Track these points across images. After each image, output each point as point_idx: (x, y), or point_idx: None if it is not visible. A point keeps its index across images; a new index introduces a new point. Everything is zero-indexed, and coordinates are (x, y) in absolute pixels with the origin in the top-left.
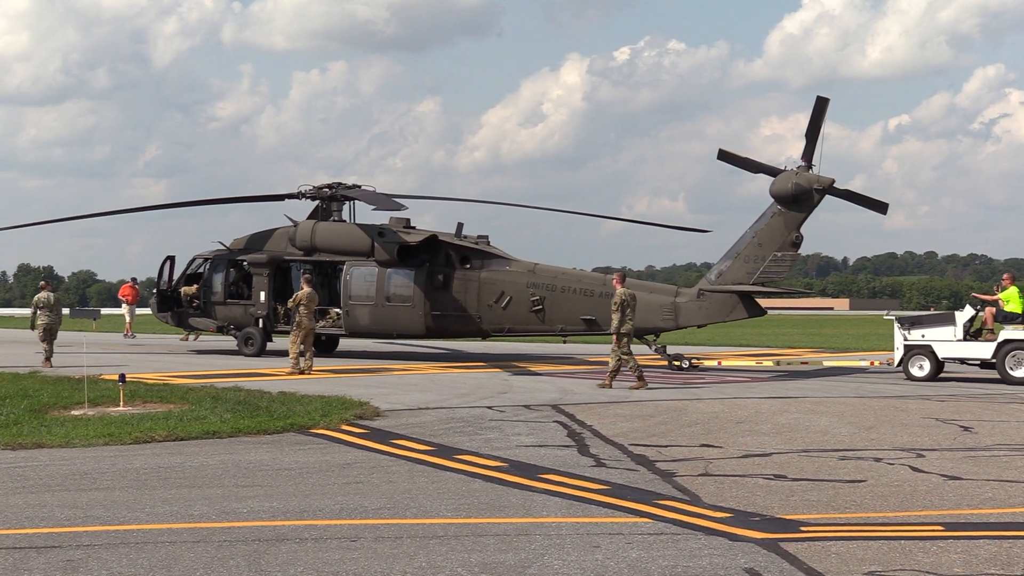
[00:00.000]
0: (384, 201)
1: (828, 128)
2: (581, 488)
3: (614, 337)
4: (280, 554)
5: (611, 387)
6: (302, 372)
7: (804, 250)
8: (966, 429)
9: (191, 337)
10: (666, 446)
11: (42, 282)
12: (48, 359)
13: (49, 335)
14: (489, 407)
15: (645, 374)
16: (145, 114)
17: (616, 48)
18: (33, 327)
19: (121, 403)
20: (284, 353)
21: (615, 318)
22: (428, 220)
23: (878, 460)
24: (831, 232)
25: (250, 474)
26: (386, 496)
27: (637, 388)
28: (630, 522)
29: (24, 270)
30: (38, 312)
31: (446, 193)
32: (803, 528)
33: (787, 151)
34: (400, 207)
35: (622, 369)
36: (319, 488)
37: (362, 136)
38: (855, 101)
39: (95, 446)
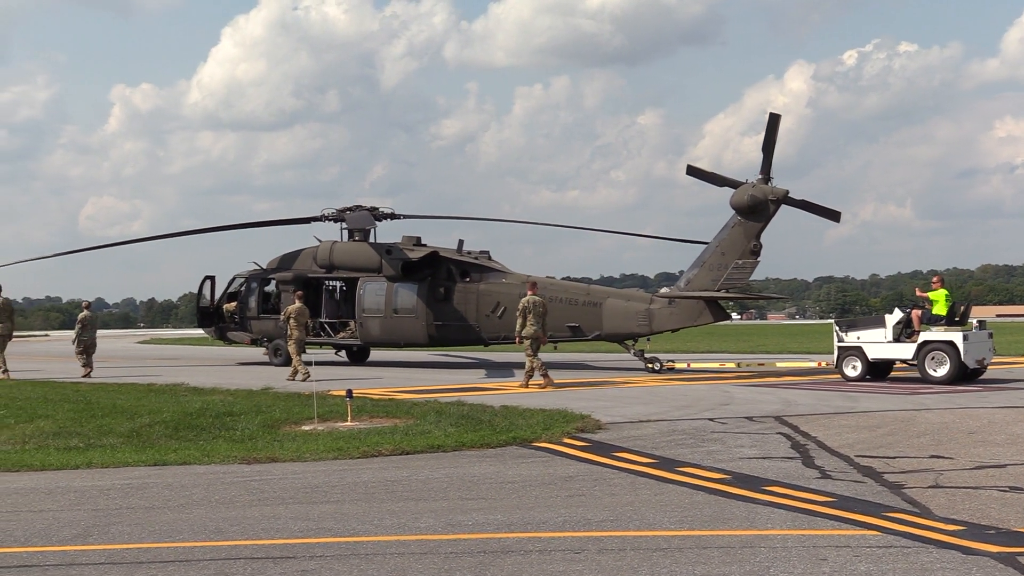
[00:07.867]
0: (359, 219)
1: None
2: (806, 500)
3: (517, 339)
4: (506, 566)
5: (527, 388)
6: (304, 378)
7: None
8: None
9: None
10: (894, 457)
11: (84, 302)
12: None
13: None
14: (711, 419)
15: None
16: (371, 134)
17: (842, 52)
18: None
19: (349, 418)
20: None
21: (518, 323)
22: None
23: None
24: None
25: (474, 487)
26: (609, 509)
27: (533, 387)
28: (858, 535)
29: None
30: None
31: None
32: None
33: (1022, 153)
34: (370, 223)
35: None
36: (542, 501)
37: (584, 149)
38: None
39: (325, 460)
